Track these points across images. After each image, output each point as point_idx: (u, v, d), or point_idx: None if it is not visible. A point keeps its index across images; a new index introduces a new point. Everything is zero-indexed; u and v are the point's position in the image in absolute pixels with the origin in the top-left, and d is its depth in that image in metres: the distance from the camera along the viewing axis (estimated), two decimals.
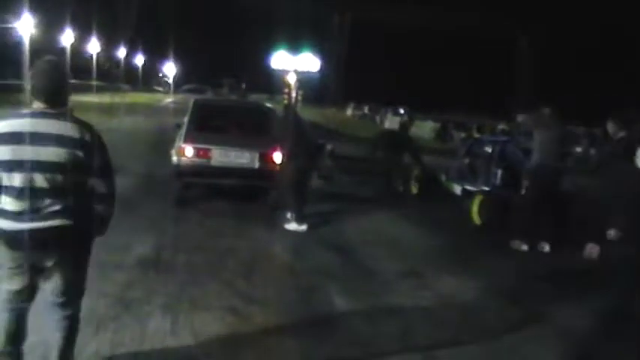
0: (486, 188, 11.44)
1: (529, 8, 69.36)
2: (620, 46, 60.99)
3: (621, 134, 8.69)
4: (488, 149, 12.28)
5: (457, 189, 12.86)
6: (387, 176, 13.72)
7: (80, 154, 3.58)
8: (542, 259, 9.16)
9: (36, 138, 3.50)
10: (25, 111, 3.66)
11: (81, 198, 3.68)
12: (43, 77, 3.65)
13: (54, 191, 3.55)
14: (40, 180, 3.52)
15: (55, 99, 3.65)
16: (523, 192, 9.86)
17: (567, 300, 7.12)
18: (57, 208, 3.57)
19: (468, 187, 12.30)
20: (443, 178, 13.76)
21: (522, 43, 75.40)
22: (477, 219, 10.95)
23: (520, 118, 10.82)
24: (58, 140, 3.53)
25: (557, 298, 7.17)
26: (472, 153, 13.13)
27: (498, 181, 11.42)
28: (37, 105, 3.64)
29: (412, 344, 5.52)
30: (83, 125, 3.68)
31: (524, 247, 9.42)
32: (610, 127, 8.27)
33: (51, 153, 3.51)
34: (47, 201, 3.54)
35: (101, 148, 3.74)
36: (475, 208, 10.98)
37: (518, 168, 10.75)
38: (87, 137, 3.62)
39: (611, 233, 9.72)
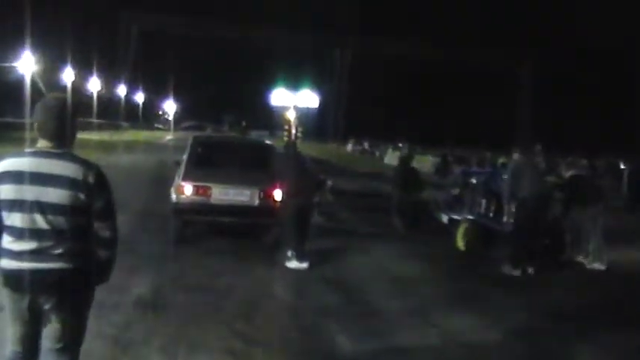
0: (470, 217, 11.94)
1: (531, 41, 69.98)
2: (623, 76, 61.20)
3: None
4: (474, 180, 12.83)
5: (445, 218, 13.23)
6: (400, 212, 13.77)
7: (82, 196, 3.45)
8: (542, 292, 9.13)
9: (38, 178, 3.39)
10: (29, 150, 3.54)
11: (83, 241, 3.54)
12: (47, 115, 3.52)
13: (56, 233, 3.43)
14: (41, 221, 3.41)
15: (61, 138, 3.53)
16: (504, 220, 10.49)
17: (573, 335, 6.98)
18: (59, 250, 3.44)
19: (455, 216, 12.72)
20: (434, 209, 14.13)
21: (523, 76, 75.86)
22: (460, 245, 11.52)
23: (515, 155, 11.23)
24: (60, 181, 3.40)
25: (562, 333, 7.04)
26: (459, 184, 13.71)
27: (482, 210, 11.97)
28: (42, 144, 3.53)
29: None
30: (87, 166, 3.52)
31: (516, 273, 9.88)
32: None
33: (53, 194, 3.39)
34: (48, 243, 3.42)
35: (105, 190, 3.58)
36: (459, 235, 11.59)
37: (502, 198, 11.11)
38: (90, 179, 3.47)
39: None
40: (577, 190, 11.00)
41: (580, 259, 10.89)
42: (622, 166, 24.73)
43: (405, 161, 15.47)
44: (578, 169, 11.73)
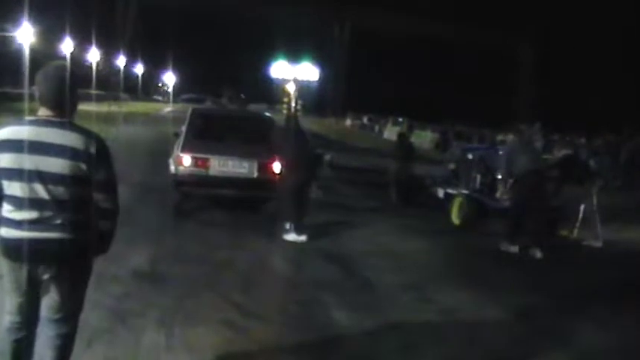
0: (465, 192, 12.05)
1: (530, 16, 69.41)
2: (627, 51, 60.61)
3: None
4: (470, 156, 12.87)
5: (441, 193, 13.31)
6: (398, 185, 14.13)
7: (83, 166, 3.40)
8: (540, 269, 9.17)
9: (38, 147, 3.34)
10: (30, 118, 3.48)
11: (83, 212, 3.51)
12: (49, 83, 3.46)
13: (55, 203, 3.39)
14: (41, 191, 3.36)
15: (62, 107, 3.47)
16: (498, 195, 10.73)
17: (571, 312, 7.00)
18: (59, 221, 3.41)
19: (450, 191, 12.82)
20: (429, 183, 14.20)
21: (523, 51, 75.42)
22: (455, 220, 11.72)
23: (510, 136, 11.53)
24: (60, 151, 3.35)
25: (561, 310, 7.07)
26: (456, 159, 13.79)
27: (477, 185, 12.10)
28: (43, 112, 3.47)
29: None
30: (89, 136, 3.47)
31: (514, 249, 9.86)
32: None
33: (53, 164, 3.34)
34: (48, 213, 3.38)
35: (106, 161, 3.54)
36: (454, 210, 11.79)
37: (496, 174, 11.36)
38: (92, 149, 3.43)
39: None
40: (569, 169, 11.16)
41: (568, 234, 11.20)
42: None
43: (403, 136, 15.94)
44: (571, 149, 11.89)
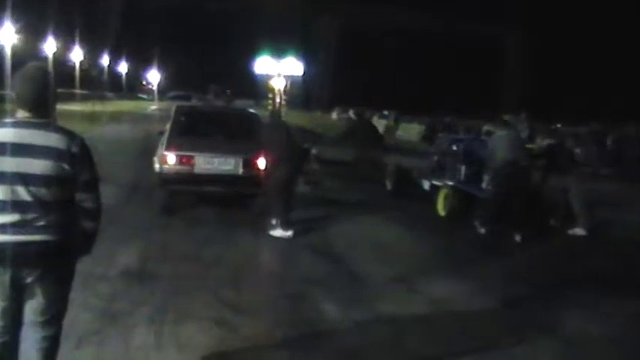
0: (450, 183, 12.06)
1: (517, 8, 69.63)
2: (611, 44, 60.86)
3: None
4: (455, 147, 12.91)
5: (426, 184, 13.40)
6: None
7: (66, 166, 3.38)
8: (527, 258, 9.25)
9: (19, 149, 3.31)
10: (8, 120, 3.45)
11: (66, 213, 3.48)
12: (27, 84, 3.43)
13: (38, 205, 3.36)
14: (23, 193, 3.33)
15: (41, 108, 3.44)
16: (483, 186, 10.88)
17: (558, 301, 7.04)
18: (41, 222, 3.38)
19: (435, 183, 12.86)
20: (415, 175, 14.28)
21: (510, 42, 75.66)
22: (441, 211, 11.92)
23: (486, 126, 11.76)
24: (42, 152, 3.33)
25: (548, 299, 7.11)
26: (441, 151, 13.74)
27: (462, 176, 12.09)
28: (22, 114, 3.44)
29: (405, 353, 5.41)
30: (70, 136, 3.45)
31: (482, 230, 10.40)
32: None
33: (35, 165, 3.31)
34: (31, 215, 3.35)
35: (88, 161, 3.52)
36: (440, 201, 11.92)
37: (482, 164, 11.44)
38: (73, 149, 3.41)
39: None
40: (554, 158, 11.24)
41: (556, 224, 11.25)
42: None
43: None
44: (556, 138, 11.95)
